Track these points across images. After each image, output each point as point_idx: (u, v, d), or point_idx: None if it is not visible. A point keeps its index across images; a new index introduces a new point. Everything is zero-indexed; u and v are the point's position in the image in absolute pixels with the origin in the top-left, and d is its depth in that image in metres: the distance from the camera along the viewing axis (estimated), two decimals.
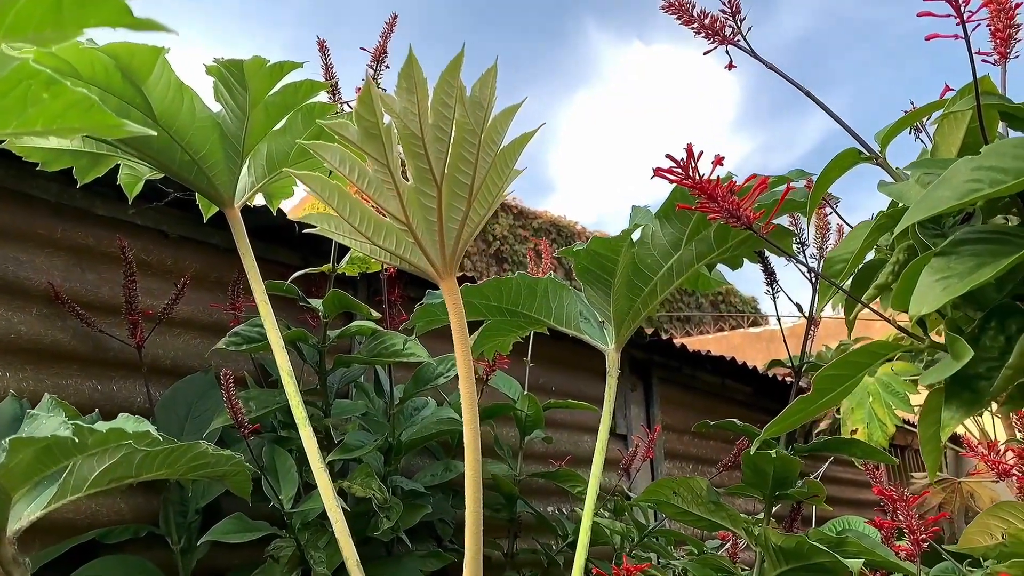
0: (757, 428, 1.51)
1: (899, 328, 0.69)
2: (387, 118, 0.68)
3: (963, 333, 0.63)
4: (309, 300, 1.48)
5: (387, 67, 1.44)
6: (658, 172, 0.76)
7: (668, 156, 0.74)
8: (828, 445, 1.33)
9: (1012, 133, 0.68)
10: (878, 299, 0.71)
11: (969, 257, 0.56)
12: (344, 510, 1.38)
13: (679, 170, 0.74)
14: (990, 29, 0.82)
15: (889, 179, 0.71)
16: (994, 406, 0.65)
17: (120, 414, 0.95)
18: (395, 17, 1.42)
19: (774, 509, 1.79)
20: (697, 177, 0.74)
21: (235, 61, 0.89)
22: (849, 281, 0.73)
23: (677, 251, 1.19)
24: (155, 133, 0.94)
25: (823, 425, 3.48)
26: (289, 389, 0.94)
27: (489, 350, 1.55)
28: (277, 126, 1.03)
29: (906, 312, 0.61)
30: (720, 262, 1.34)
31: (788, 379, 3.44)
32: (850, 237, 0.73)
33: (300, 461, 1.59)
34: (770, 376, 3.30)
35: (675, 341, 2.90)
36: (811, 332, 1.51)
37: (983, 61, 0.81)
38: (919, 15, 0.65)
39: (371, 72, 1.41)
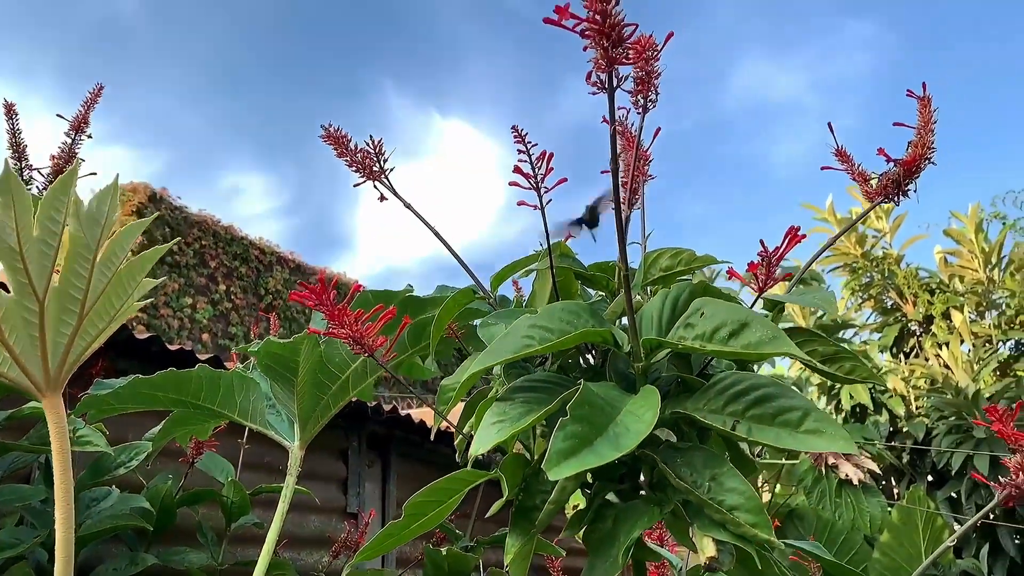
0: (451, 524, 1.58)
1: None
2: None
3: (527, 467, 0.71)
4: None
5: (89, 136, 1.37)
6: (293, 296, 0.79)
7: (301, 284, 0.78)
8: (497, 539, 1.41)
9: (591, 290, 0.80)
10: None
11: (521, 404, 0.64)
12: None
13: (313, 296, 0.78)
14: (623, 183, 0.96)
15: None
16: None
17: None
18: (100, 88, 1.36)
19: None
20: (330, 304, 0.78)
21: None
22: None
23: None
24: None
25: None
26: None
27: (183, 437, 1.48)
28: None
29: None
30: (425, 355, 1.40)
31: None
32: (461, 369, 0.81)
33: None
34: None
35: (418, 415, 2.94)
36: None
37: (612, 210, 0.94)
38: (510, 184, 0.75)
39: (69, 142, 1.34)
